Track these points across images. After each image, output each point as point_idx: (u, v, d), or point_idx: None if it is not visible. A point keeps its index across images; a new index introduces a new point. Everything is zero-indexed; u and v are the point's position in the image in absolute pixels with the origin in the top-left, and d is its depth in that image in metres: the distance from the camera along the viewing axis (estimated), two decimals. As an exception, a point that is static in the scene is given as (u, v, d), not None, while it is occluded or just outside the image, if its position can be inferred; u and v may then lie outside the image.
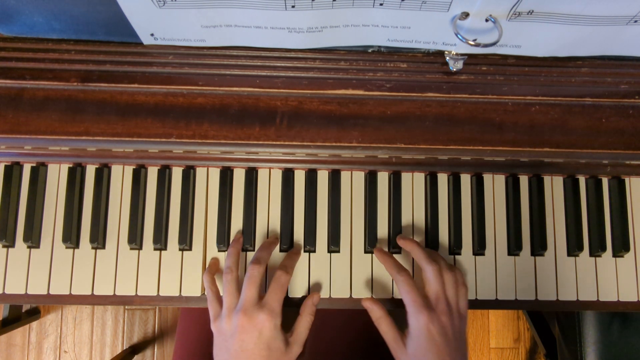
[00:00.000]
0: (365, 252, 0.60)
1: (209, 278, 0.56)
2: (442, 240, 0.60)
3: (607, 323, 0.83)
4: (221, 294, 0.55)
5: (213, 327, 0.53)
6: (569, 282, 0.60)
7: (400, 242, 0.58)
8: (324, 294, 0.59)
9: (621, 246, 0.61)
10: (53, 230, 0.58)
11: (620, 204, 0.61)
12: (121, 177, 0.59)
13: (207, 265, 0.58)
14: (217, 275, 0.58)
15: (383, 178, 0.61)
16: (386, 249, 0.60)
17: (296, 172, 0.60)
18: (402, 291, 0.52)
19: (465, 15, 0.45)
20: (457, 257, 0.60)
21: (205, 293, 0.56)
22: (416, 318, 0.50)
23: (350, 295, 0.59)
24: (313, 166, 0.60)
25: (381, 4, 0.44)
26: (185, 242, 0.58)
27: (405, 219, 0.60)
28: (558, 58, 0.54)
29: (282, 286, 0.53)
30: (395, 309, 0.57)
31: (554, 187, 0.62)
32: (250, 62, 0.53)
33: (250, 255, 0.59)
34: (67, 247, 0.58)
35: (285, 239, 0.59)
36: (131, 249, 0.58)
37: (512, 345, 1.40)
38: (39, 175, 0.58)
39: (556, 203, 0.62)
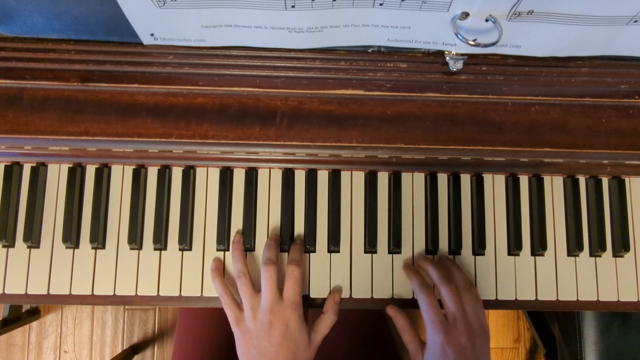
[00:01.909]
0: (365, 252, 0.60)
1: (220, 281, 0.56)
2: (442, 240, 0.60)
3: (607, 323, 0.83)
4: (234, 297, 0.56)
5: (236, 329, 0.54)
6: (568, 282, 0.60)
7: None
8: (324, 293, 0.59)
9: (621, 246, 0.61)
10: (53, 230, 0.58)
11: (620, 204, 0.61)
12: (121, 177, 0.59)
13: (211, 267, 0.58)
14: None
15: (383, 178, 0.61)
16: (386, 249, 0.60)
17: (296, 172, 0.60)
18: (422, 310, 0.53)
19: (465, 15, 0.45)
20: (457, 257, 0.60)
21: (220, 298, 0.56)
22: (433, 338, 0.51)
23: (350, 295, 0.59)
24: (313, 166, 0.60)
25: (381, 4, 0.44)
26: (185, 242, 0.58)
27: (405, 219, 0.60)
28: (558, 58, 0.54)
29: (297, 280, 0.54)
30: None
31: (554, 187, 0.62)
32: (250, 62, 0.53)
33: (250, 254, 0.59)
34: (67, 247, 0.58)
35: (286, 239, 0.59)
36: (131, 249, 0.58)
37: (512, 345, 1.40)
38: (39, 175, 0.58)
39: (556, 203, 0.62)
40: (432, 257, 0.60)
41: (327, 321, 0.56)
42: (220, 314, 0.73)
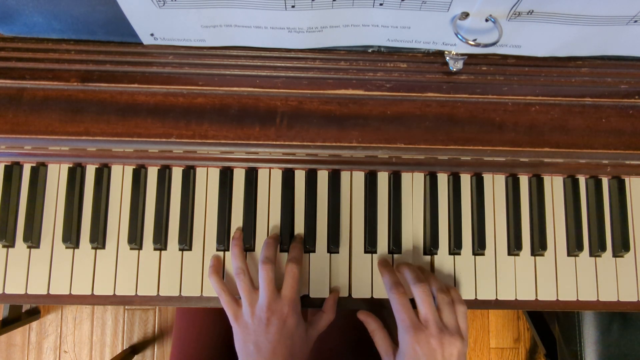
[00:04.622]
0: (365, 252, 0.60)
1: (218, 279, 0.56)
2: (442, 240, 0.60)
3: (607, 323, 0.83)
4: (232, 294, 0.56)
5: (235, 325, 0.54)
6: (569, 282, 0.60)
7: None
8: (324, 294, 0.59)
9: (621, 246, 0.61)
10: (53, 230, 0.58)
11: (620, 204, 0.61)
12: (121, 177, 0.59)
13: (210, 265, 0.58)
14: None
15: (383, 178, 0.61)
16: (386, 249, 0.60)
17: (296, 172, 0.60)
18: (394, 309, 0.52)
19: (465, 15, 0.45)
20: (456, 257, 0.60)
21: (218, 295, 0.56)
22: (403, 338, 0.51)
23: (350, 295, 0.59)
24: (313, 166, 0.60)
25: (381, 4, 0.44)
26: (185, 242, 0.58)
27: (405, 219, 0.60)
28: (558, 58, 0.54)
29: (296, 277, 0.55)
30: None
31: (554, 187, 0.62)
32: (250, 62, 0.53)
33: (250, 254, 0.59)
34: (67, 247, 0.58)
35: (286, 239, 0.59)
36: (131, 249, 0.58)
37: (512, 345, 1.40)
38: (39, 175, 0.58)
39: (556, 203, 0.62)
40: (431, 257, 0.60)
41: (325, 319, 0.57)
42: (217, 314, 0.73)
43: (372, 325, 0.56)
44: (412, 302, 0.53)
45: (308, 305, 0.59)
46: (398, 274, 0.57)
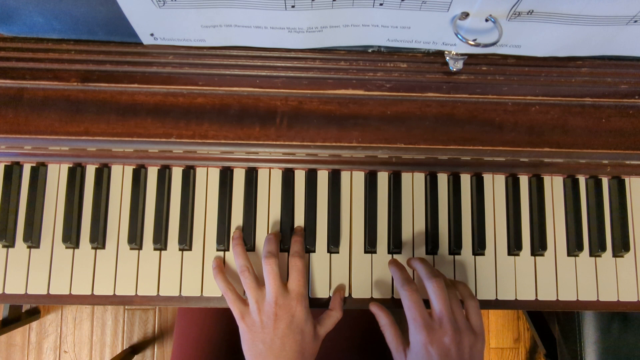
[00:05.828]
0: (365, 252, 0.60)
1: (223, 278, 0.56)
2: (442, 240, 0.60)
3: (607, 323, 0.83)
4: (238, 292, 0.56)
5: (242, 324, 0.54)
6: (569, 282, 0.60)
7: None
8: (324, 293, 0.59)
9: (621, 246, 0.61)
10: (53, 230, 0.58)
11: (620, 204, 0.61)
12: (121, 177, 0.59)
13: (213, 266, 0.58)
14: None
15: (383, 178, 0.61)
16: (386, 249, 0.60)
17: (296, 172, 0.60)
18: (405, 306, 0.51)
19: (465, 15, 0.45)
20: (457, 257, 0.60)
21: (224, 294, 0.56)
22: (415, 337, 0.49)
23: (350, 295, 0.59)
24: (313, 166, 0.60)
25: (381, 4, 0.44)
26: (185, 242, 0.58)
27: (405, 219, 0.60)
28: (558, 58, 0.54)
29: (301, 271, 0.55)
30: (396, 309, 0.57)
31: (554, 187, 0.62)
32: (250, 62, 0.53)
33: (250, 254, 0.59)
34: (67, 247, 0.58)
35: (286, 238, 0.59)
36: (131, 249, 0.58)
37: (512, 345, 1.40)
38: (39, 175, 0.58)
39: (556, 203, 0.62)
40: (432, 257, 0.60)
41: (333, 317, 0.56)
42: (218, 314, 0.73)
43: (384, 320, 0.54)
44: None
45: (310, 305, 0.59)
46: (409, 268, 0.57)
